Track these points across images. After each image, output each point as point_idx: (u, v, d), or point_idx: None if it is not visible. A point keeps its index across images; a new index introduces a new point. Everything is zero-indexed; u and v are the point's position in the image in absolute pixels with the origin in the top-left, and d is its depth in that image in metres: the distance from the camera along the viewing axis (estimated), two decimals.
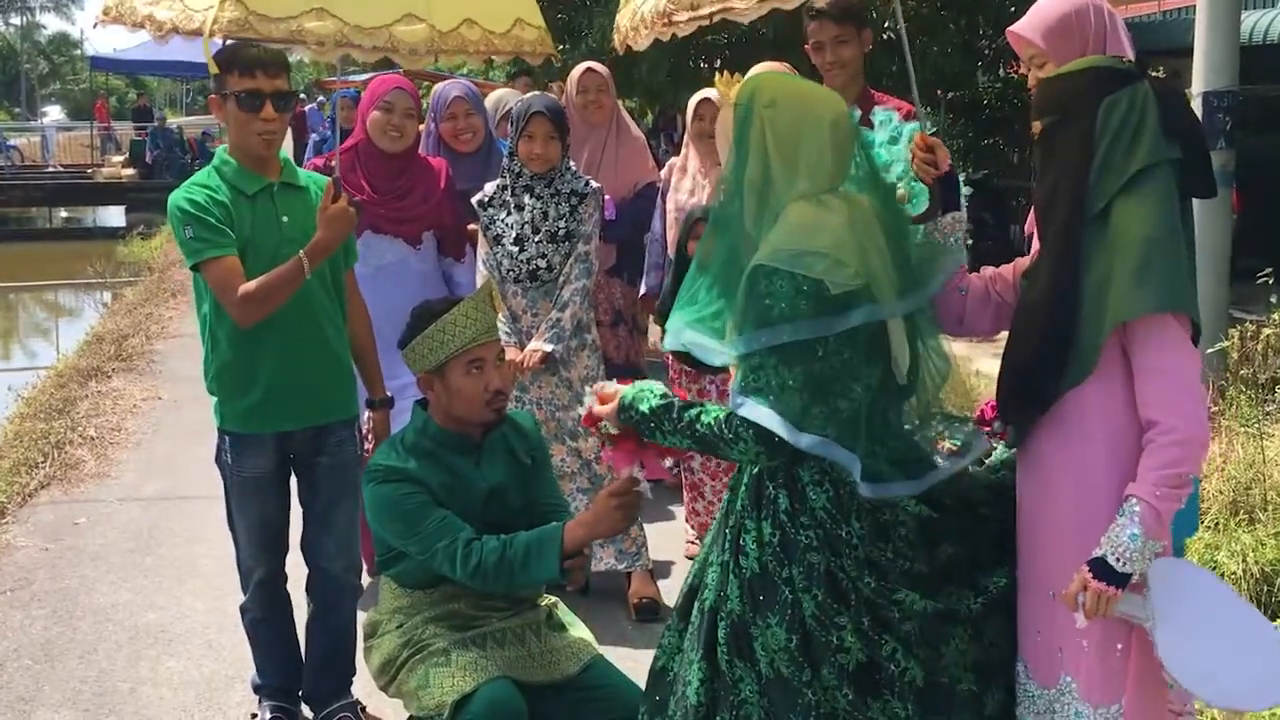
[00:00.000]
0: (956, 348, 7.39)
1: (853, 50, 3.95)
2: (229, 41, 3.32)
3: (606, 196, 4.78)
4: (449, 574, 2.79)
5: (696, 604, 2.44)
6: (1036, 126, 2.33)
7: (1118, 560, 2.09)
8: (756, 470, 2.35)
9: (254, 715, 3.45)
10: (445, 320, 2.89)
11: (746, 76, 2.59)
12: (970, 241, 9.91)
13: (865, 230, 2.27)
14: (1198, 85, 6.34)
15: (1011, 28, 2.66)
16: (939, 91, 12.35)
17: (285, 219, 3.22)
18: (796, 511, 2.27)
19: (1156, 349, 2.13)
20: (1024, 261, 2.50)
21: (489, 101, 5.48)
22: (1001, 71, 14.71)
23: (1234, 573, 3.89)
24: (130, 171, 25.15)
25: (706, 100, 4.90)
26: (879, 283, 2.23)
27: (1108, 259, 2.16)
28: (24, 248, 21.50)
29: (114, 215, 26.37)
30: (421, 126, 4.63)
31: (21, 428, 6.79)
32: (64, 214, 28.37)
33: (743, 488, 2.38)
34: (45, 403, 7.28)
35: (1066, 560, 2.19)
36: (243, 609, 3.45)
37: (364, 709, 3.49)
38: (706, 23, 3.45)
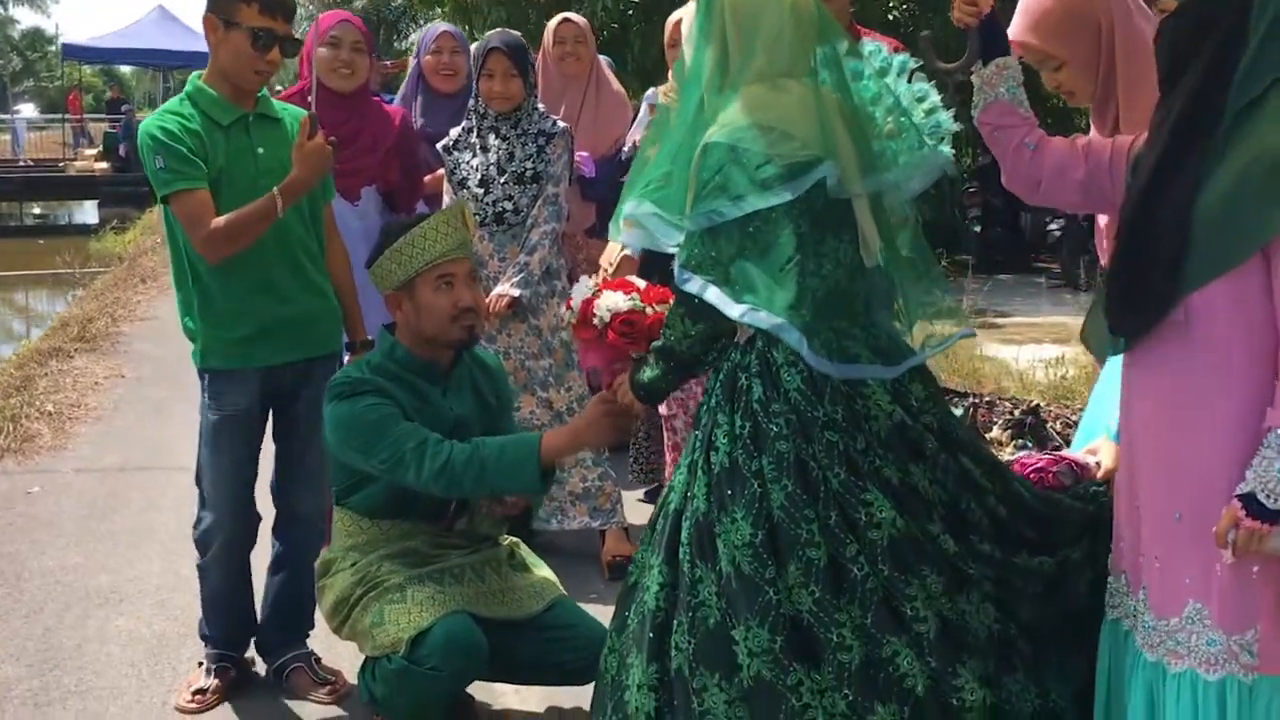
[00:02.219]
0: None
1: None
2: None
3: (585, 154, 4.79)
4: (414, 481, 2.77)
5: (661, 507, 2.45)
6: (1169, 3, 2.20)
7: (1268, 497, 2.00)
8: (730, 365, 2.36)
9: (200, 663, 3.43)
10: (414, 234, 2.89)
11: None
12: (979, 228, 9.88)
13: (823, 111, 2.29)
14: None
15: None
16: (947, 73, 12.39)
17: (260, 150, 3.22)
18: (769, 399, 2.28)
19: None
20: (1126, 140, 2.36)
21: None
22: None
23: None
24: (103, 165, 25.21)
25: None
26: (835, 157, 2.25)
27: (1266, 148, 2.00)
28: None
29: (87, 212, 26.39)
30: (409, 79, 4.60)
31: None
32: (36, 210, 28.40)
33: (717, 385, 2.39)
34: (2, 382, 7.27)
35: (1191, 478, 2.12)
36: (201, 570, 3.40)
37: (319, 661, 3.48)
38: None
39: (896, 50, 3.01)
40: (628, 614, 2.46)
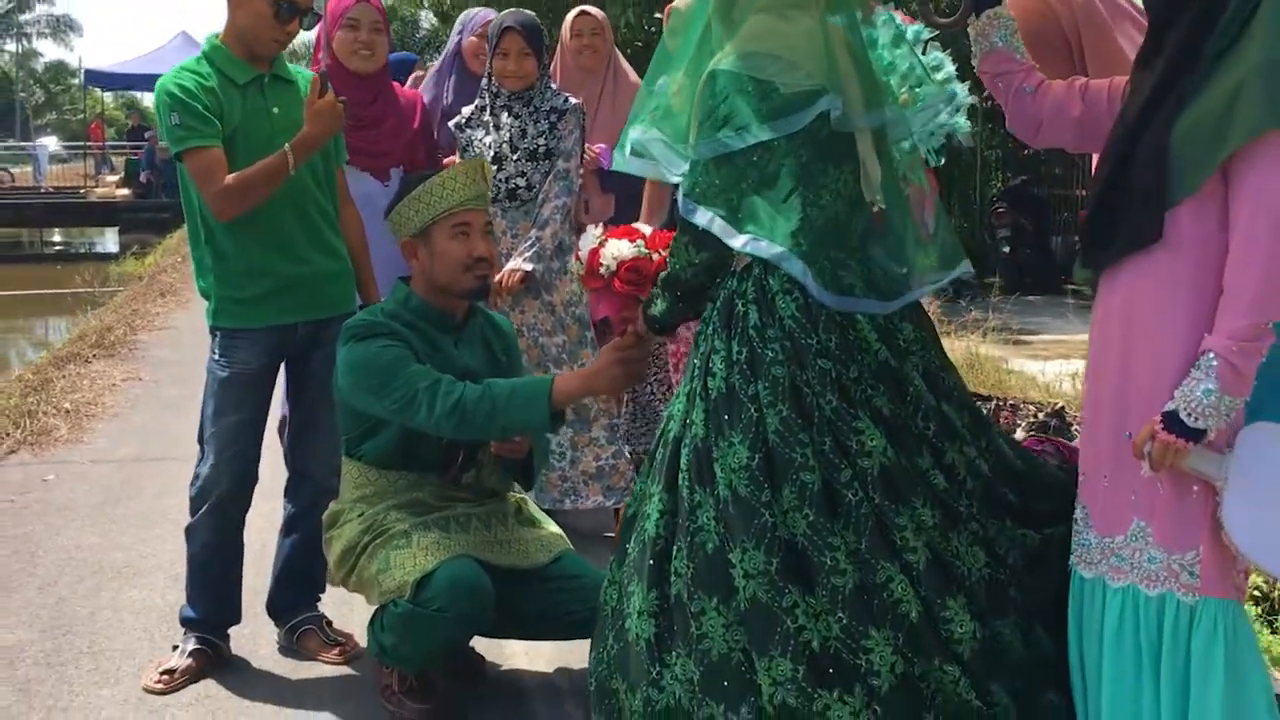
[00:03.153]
0: (992, 349, 7.51)
1: None
2: None
3: (602, 145, 4.90)
4: (426, 420, 2.85)
5: (660, 437, 2.54)
6: None
7: (1189, 415, 2.13)
8: (727, 292, 2.45)
9: (175, 647, 3.45)
10: (433, 182, 3.01)
11: None
12: (1008, 249, 9.97)
13: (829, 43, 2.39)
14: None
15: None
16: (980, 99, 12.57)
17: (275, 110, 3.33)
18: (765, 325, 2.37)
19: (1261, 172, 2.11)
20: (1122, 80, 2.47)
21: None
22: None
23: None
24: (125, 191, 25.56)
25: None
26: (840, 89, 2.35)
27: (1232, 79, 2.13)
28: (11, 270, 21.84)
29: (108, 241, 26.77)
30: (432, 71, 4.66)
31: None
32: (56, 237, 28.78)
33: (714, 312, 2.48)
34: (19, 382, 7.43)
35: (1141, 399, 2.24)
36: (189, 530, 3.44)
37: (329, 623, 3.57)
38: None
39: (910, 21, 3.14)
40: (628, 544, 2.55)
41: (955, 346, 7.27)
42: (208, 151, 3.20)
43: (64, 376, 7.61)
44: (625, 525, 2.61)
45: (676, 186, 2.52)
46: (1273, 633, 3.70)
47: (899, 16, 3.11)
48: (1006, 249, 12.73)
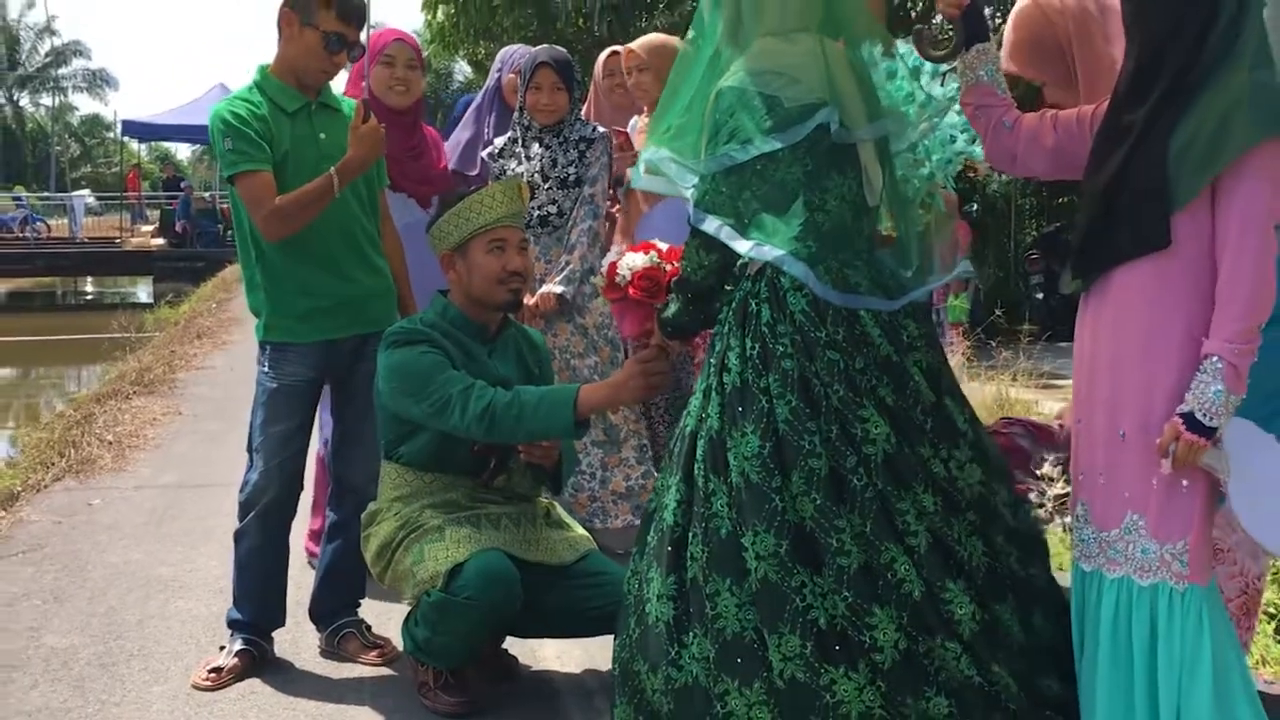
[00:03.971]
0: (1023, 392, 7.68)
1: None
2: None
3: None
4: (458, 422, 3.09)
5: (678, 433, 2.77)
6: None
7: (1204, 415, 2.37)
8: (741, 293, 2.70)
9: (222, 647, 3.69)
10: (473, 198, 3.27)
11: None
12: (1041, 295, 10.18)
13: (831, 60, 2.65)
14: None
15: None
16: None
17: (323, 136, 3.61)
18: (776, 320, 2.61)
19: (1249, 185, 2.36)
20: (1090, 109, 2.73)
21: None
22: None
23: None
24: (160, 241, 26.14)
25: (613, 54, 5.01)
26: (842, 102, 2.61)
27: (1223, 99, 2.39)
28: (47, 318, 22.39)
29: (141, 290, 27.33)
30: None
31: (39, 437, 7.26)
32: (88, 288, 29.37)
33: (729, 313, 2.72)
34: (62, 418, 7.76)
35: (1135, 400, 2.48)
36: (238, 535, 3.69)
37: (369, 628, 3.80)
38: None
39: None
40: (648, 534, 2.78)
41: (985, 390, 7.48)
42: (258, 175, 3.47)
43: (105, 411, 7.93)
44: (645, 519, 2.84)
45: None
46: None
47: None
48: (1039, 295, 12.97)
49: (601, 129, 4.64)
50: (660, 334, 2.96)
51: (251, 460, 3.68)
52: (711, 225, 2.65)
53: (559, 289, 4.38)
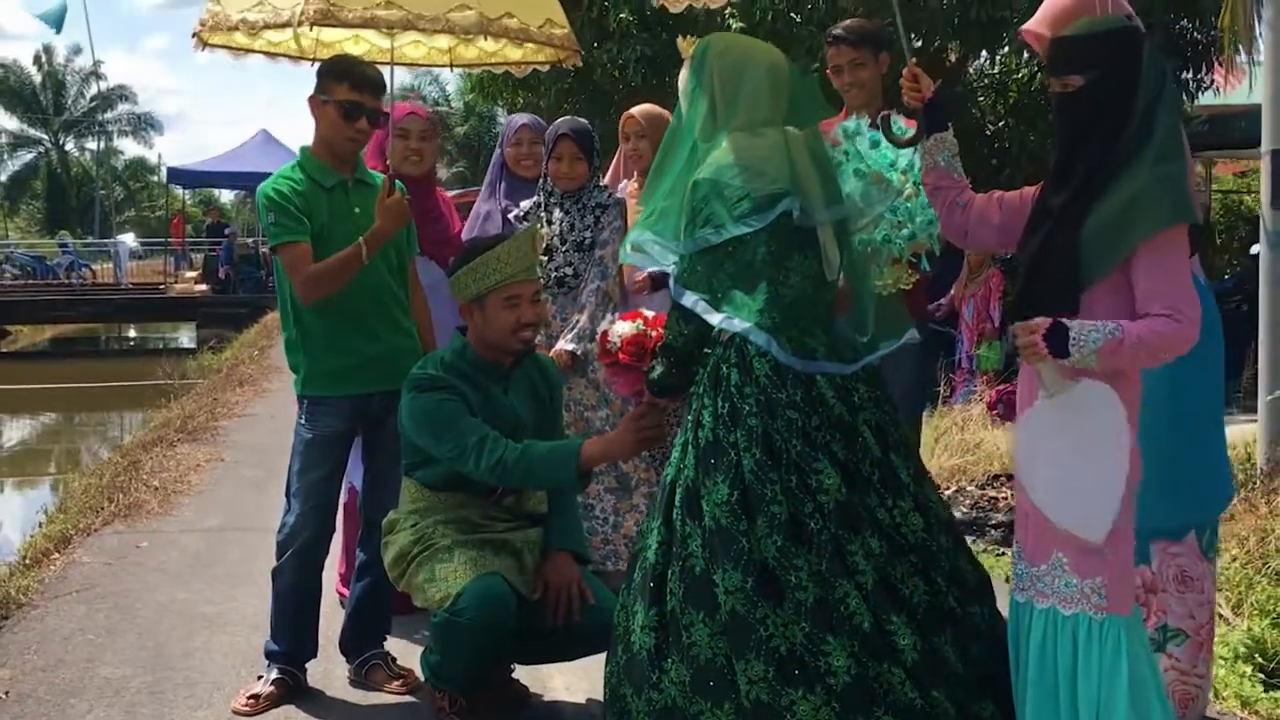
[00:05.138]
0: None
1: (870, 73, 4.72)
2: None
3: None
4: (472, 469, 3.54)
5: (661, 484, 3.21)
6: (1076, 81, 2.90)
7: (1074, 341, 2.75)
8: (715, 358, 3.14)
9: (260, 677, 4.14)
10: (489, 256, 3.68)
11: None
12: None
13: (794, 152, 3.11)
14: (1266, 143, 6.99)
15: (1025, 26, 3.44)
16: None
17: (357, 210, 4.08)
18: (743, 383, 3.05)
19: (1166, 252, 2.79)
20: (1031, 190, 3.15)
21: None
22: None
23: None
24: (203, 287, 26.91)
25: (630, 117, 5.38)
26: (803, 190, 3.06)
27: (1130, 189, 2.81)
28: (91, 364, 23.19)
29: (184, 336, 28.14)
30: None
31: (88, 483, 7.81)
32: (131, 334, 30.21)
33: (704, 375, 3.17)
34: (110, 464, 8.30)
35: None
36: (275, 572, 4.14)
37: (394, 660, 4.25)
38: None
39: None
40: (634, 572, 3.21)
41: (997, 435, 7.83)
42: (297, 246, 3.96)
43: (151, 458, 8.47)
44: (632, 558, 3.27)
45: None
46: (1266, 690, 4.22)
47: (903, 120, 3.88)
48: None
49: (616, 195, 5.09)
50: (650, 393, 3.40)
51: (289, 504, 4.14)
52: (689, 299, 3.10)
53: (570, 346, 4.83)
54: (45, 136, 60.99)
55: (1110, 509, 2.85)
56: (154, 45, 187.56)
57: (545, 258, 4.95)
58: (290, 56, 4.45)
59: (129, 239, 43.61)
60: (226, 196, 55.67)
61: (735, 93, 3.19)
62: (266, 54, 4.47)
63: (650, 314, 3.64)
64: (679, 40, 3.62)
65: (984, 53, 13.51)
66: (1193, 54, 12.64)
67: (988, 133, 13.10)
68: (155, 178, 61.39)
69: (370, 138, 4.19)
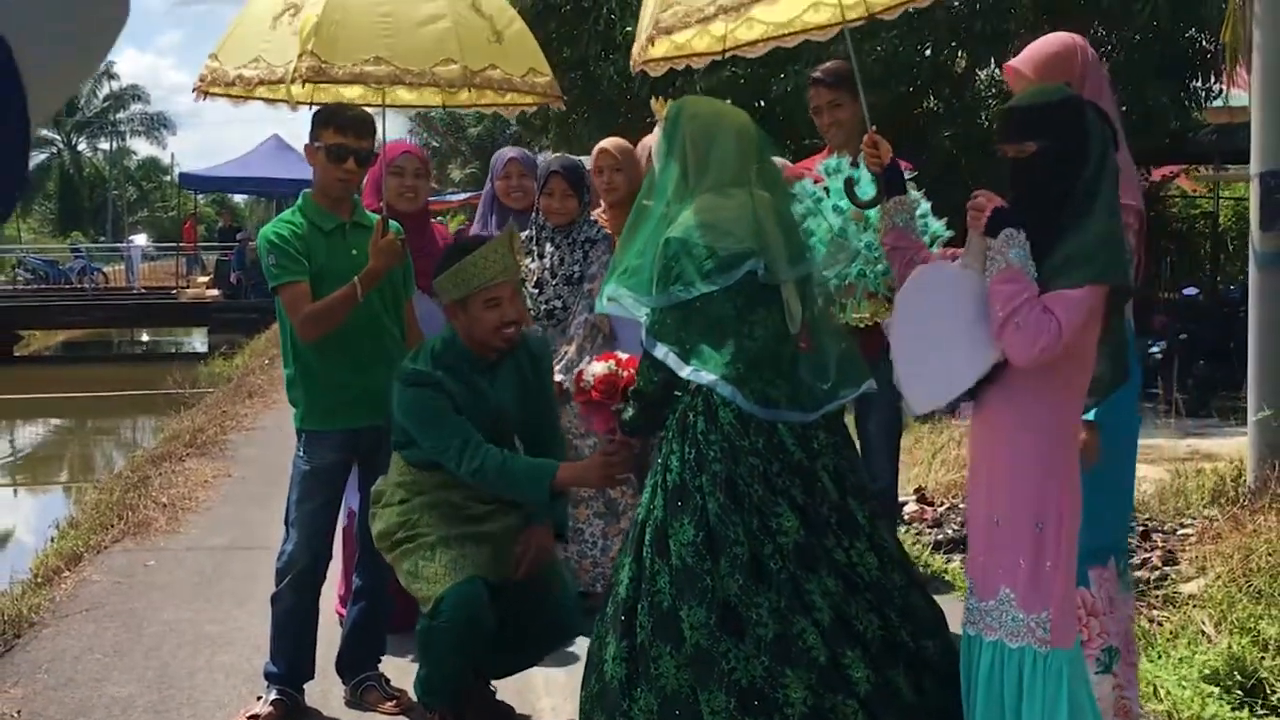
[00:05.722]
0: None
1: (848, 112, 4.95)
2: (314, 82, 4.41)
3: None
4: (453, 468, 3.79)
5: (633, 523, 3.44)
6: (1031, 147, 3.11)
7: (1006, 235, 3.00)
8: (683, 406, 3.36)
9: (259, 697, 4.38)
10: (468, 261, 3.90)
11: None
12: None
13: (760, 212, 3.33)
14: (1255, 165, 7.16)
15: (1009, 62, 3.67)
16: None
17: (355, 251, 4.32)
18: (709, 430, 3.27)
19: (1083, 295, 2.97)
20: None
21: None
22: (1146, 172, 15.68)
23: None
24: (214, 292, 27.22)
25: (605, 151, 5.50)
26: (768, 250, 3.28)
27: (1068, 248, 3.02)
28: (103, 369, 23.53)
29: (197, 340, 28.47)
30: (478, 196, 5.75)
31: (99, 499, 8.08)
32: (144, 338, 30.54)
33: (673, 421, 3.39)
34: (120, 479, 8.57)
35: (1002, 490, 3.12)
36: (274, 598, 4.38)
37: (388, 681, 4.48)
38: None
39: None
40: (608, 605, 3.43)
41: None
42: (296, 286, 4.20)
43: (160, 474, 8.74)
44: (605, 591, 3.50)
45: None
46: (1238, 709, 4.40)
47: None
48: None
49: (605, 230, 5.32)
50: (621, 432, 3.63)
51: (287, 532, 4.39)
52: (660, 351, 3.32)
53: (559, 378, 5.05)
54: (58, 137, 61.53)
55: (947, 392, 3.17)
56: (166, 42, 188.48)
57: (536, 290, 5.18)
58: (288, 103, 4.68)
59: (141, 240, 43.93)
60: (240, 197, 56.08)
61: (706, 156, 3.41)
62: (265, 100, 4.70)
63: (624, 356, 3.86)
64: (652, 101, 3.81)
65: (992, 61, 13.73)
66: (1200, 63, 12.84)
67: (994, 141, 13.28)
68: (168, 178, 61.78)
69: (359, 178, 4.42)
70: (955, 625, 3.38)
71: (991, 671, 3.16)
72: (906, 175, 4.42)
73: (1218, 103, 13.29)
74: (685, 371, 3.28)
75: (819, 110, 5.03)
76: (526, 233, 5.34)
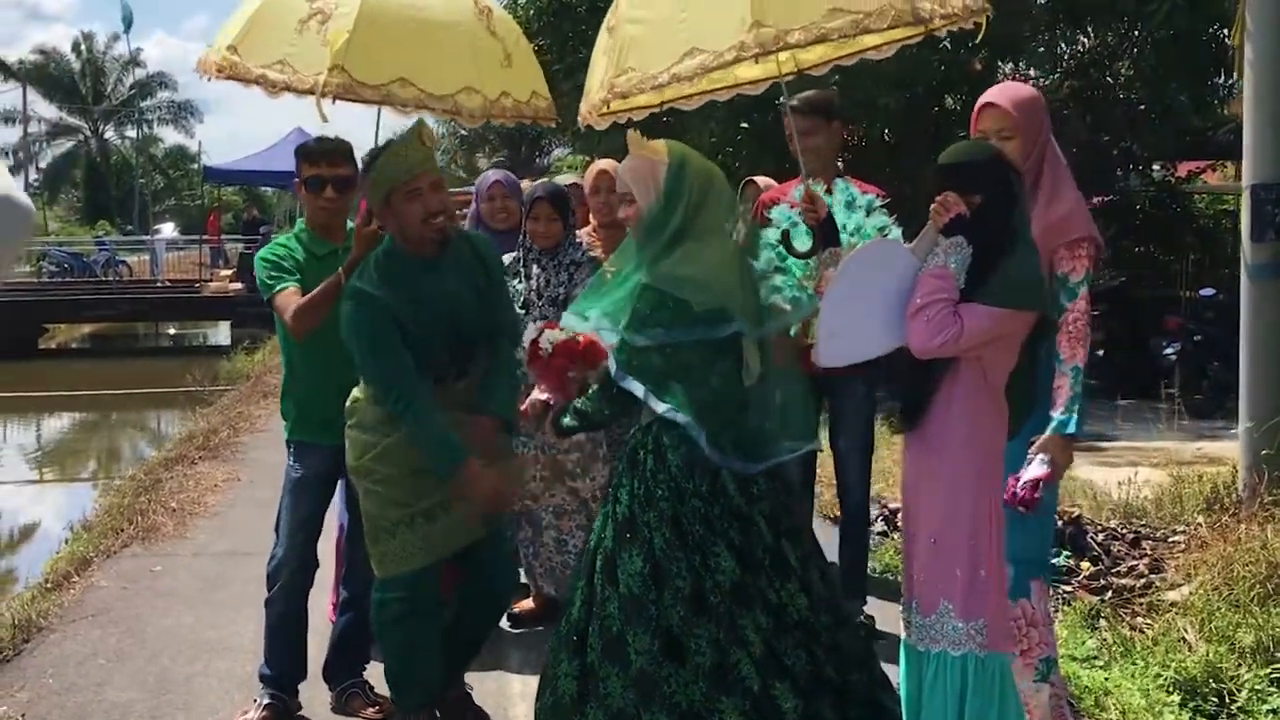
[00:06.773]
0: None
1: (821, 139, 5.20)
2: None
3: None
4: (380, 400, 4.09)
5: (586, 548, 3.73)
6: (976, 200, 3.41)
7: (955, 243, 3.38)
8: (634, 443, 3.64)
9: (254, 701, 4.69)
10: (381, 160, 4.09)
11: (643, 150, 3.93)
12: (1102, 352, 10.73)
13: (735, 268, 3.62)
14: (1247, 178, 7.32)
15: (989, 98, 3.92)
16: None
17: None
18: (657, 469, 3.56)
19: (982, 308, 3.34)
20: None
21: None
22: (1157, 170, 15.76)
23: None
24: (238, 285, 27.53)
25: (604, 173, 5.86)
26: (738, 308, 3.56)
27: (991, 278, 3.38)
28: (127, 363, 24.02)
29: (221, 333, 28.91)
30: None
31: (111, 502, 8.45)
32: (171, 331, 30.98)
33: (625, 457, 3.67)
34: (133, 481, 8.93)
35: (936, 512, 3.44)
36: (267, 602, 4.71)
37: (372, 689, 4.78)
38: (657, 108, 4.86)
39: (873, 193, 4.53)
40: (562, 624, 3.72)
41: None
42: (287, 290, 4.50)
43: (172, 477, 9.10)
44: (563, 609, 3.78)
45: None
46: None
47: (854, 185, 4.44)
48: (1100, 352, 13.35)
49: (591, 253, 5.59)
50: (555, 431, 3.94)
51: (277, 537, 4.71)
52: (637, 388, 3.57)
53: (544, 396, 5.31)
54: (84, 125, 62.16)
55: (854, 355, 3.54)
56: (194, 26, 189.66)
57: (523, 312, 5.46)
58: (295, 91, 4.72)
59: (169, 229, 44.24)
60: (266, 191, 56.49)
61: (702, 208, 3.65)
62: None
63: (566, 328, 4.02)
64: (629, 133, 3.98)
65: (1010, 61, 13.91)
66: (1222, 59, 12.93)
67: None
68: (195, 166, 62.15)
69: (342, 204, 4.69)
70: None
71: (936, 679, 3.45)
72: (878, 203, 4.79)
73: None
74: (661, 409, 3.55)
75: (792, 138, 5.27)
76: (514, 254, 5.62)
